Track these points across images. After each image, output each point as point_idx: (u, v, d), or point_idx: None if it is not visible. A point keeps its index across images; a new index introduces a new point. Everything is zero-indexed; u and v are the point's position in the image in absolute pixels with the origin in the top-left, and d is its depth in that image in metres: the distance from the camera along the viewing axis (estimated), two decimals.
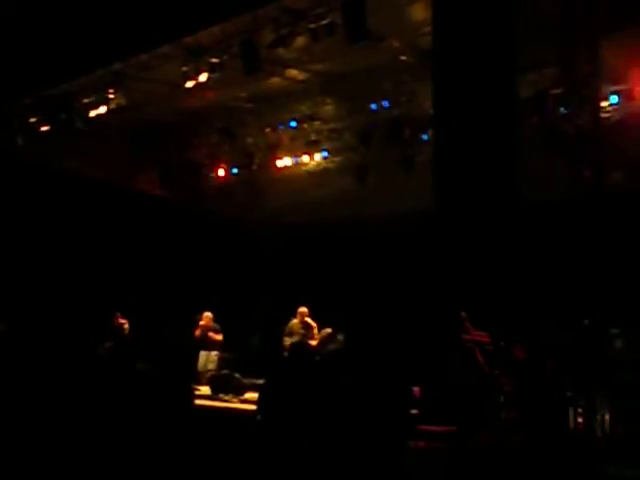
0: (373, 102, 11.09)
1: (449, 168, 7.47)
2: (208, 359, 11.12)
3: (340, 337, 9.88)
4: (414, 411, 6.62)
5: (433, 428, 5.51)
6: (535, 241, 6.98)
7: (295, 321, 10.74)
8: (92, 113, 11.32)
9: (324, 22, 9.03)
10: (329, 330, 10.61)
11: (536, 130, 9.83)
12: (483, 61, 7.33)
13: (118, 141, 12.65)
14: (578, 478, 4.71)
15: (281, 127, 12.10)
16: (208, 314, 11.35)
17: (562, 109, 9.93)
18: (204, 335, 11.21)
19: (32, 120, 11.88)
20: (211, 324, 11.32)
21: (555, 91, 9.85)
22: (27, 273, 11.58)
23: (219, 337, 11.32)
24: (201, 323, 11.27)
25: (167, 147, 12.85)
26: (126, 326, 10.98)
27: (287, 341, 10.50)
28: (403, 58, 9.98)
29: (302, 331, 10.64)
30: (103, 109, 11.19)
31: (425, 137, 11.08)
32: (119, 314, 10.93)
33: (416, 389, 7.07)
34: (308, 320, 10.70)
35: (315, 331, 10.60)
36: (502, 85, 7.42)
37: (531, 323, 6.04)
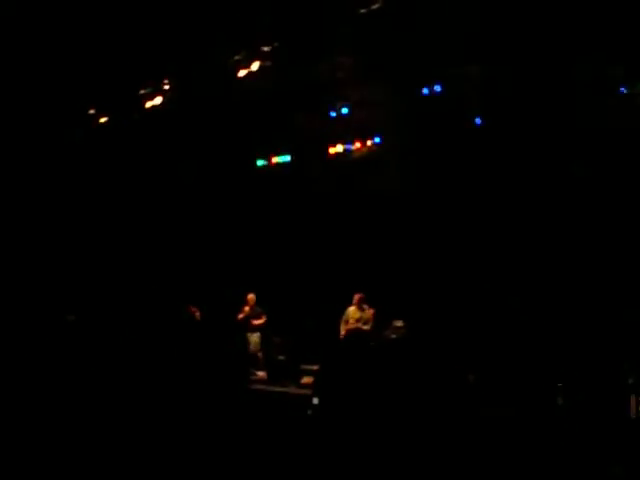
0: (424, 86, 10.94)
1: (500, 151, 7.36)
2: (253, 341, 11.26)
3: (398, 324, 9.90)
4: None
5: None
6: None
7: (352, 308, 10.77)
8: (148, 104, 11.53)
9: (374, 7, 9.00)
10: (372, 311, 10.62)
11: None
12: (537, 45, 7.16)
13: (175, 132, 12.80)
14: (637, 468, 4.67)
15: (333, 114, 12.06)
16: (252, 296, 11.48)
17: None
18: (247, 319, 11.37)
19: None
20: (253, 308, 11.46)
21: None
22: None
23: (261, 321, 11.43)
24: (245, 308, 11.42)
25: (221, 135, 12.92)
26: (197, 314, 11.28)
27: (343, 328, 10.57)
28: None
29: (358, 317, 10.67)
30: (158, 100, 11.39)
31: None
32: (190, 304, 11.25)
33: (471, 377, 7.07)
34: (365, 306, 10.71)
35: (370, 317, 10.62)
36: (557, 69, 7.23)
37: (586, 311, 5.95)
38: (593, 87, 9.49)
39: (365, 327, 10.50)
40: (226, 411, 6.11)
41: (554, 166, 7.54)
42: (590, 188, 7.80)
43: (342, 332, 10.50)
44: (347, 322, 10.62)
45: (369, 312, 10.65)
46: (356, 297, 10.79)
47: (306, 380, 8.73)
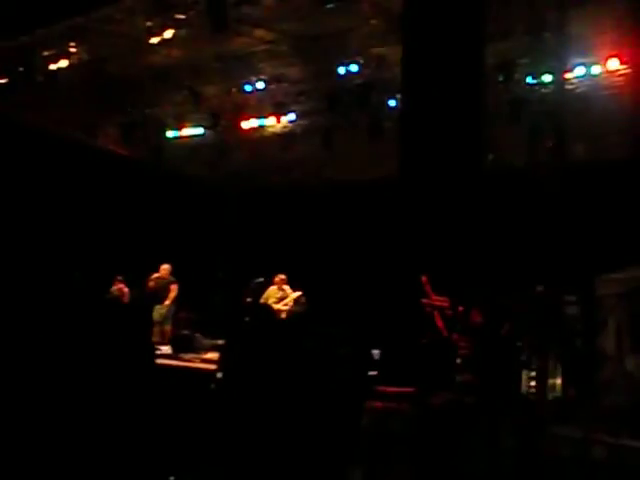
0: (341, 65, 10.98)
1: (414, 134, 7.48)
2: (158, 312, 11.07)
3: (303, 300, 10.01)
4: (373, 373, 6.74)
5: (391, 389, 5.61)
6: (495, 208, 7.07)
7: (273, 288, 10.77)
8: (53, 67, 11.02)
9: None
10: (299, 293, 10.71)
11: (501, 99, 9.90)
12: (452, 28, 7.31)
13: (80, 97, 12.34)
14: (528, 439, 4.87)
15: (248, 88, 11.93)
16: (166, 266, 11.26)
17: (528, 79, 10.01)
18: (158, 287, 11.13)
19: None
20: (167, 276, 11.23)
21: (522, 61, 9.91)
22: None
23: (173, 290, 11.23)
24: (155, 275, 11.19)
25: (130, 104, 12.59)
26: (125, 290, 10.94)
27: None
28: (373, 22, 9.89)
29: (278, 297, 10.70)
30: (64, 63, 10.91)
31: (392, 103, 11.07)
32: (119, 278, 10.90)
33: (375, 351, 7.19)
34: (285, 288, 10.75)
35: (291, 298, 10.69)
36: (470, 52, 7.42)
37: (488, 288, 6.15)
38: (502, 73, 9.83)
39: (284, 307, 10.56)
40: (129, 387, 5.94)
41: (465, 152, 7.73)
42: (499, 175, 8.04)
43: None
44: (267, 301, 10.62)
45: (290, 293, 10.71)
46: (277, 278, 10.83)
47: (210, 355, 8.64)
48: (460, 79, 7.29)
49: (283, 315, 10.53)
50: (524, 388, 5.39)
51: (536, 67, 9.72)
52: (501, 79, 9.96)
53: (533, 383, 5.45)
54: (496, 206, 7.30)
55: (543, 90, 9.66)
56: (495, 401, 5.10)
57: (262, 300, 10.64)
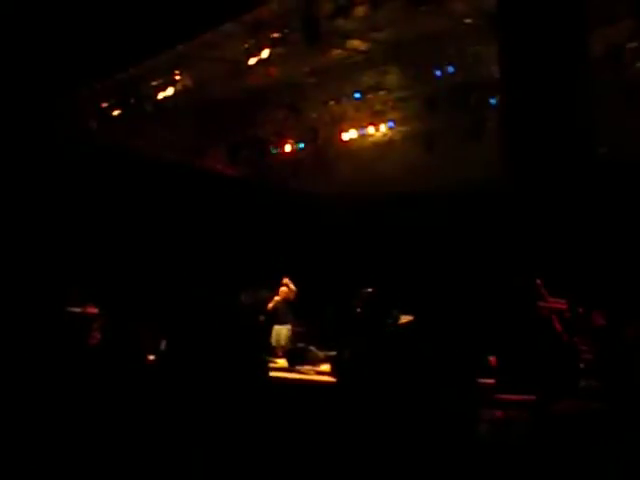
0: (438, 68, 10.83)
1: (519, 131, 7.25)
2: (280, 333, 11.25)
3: (395, 312, 9.84)
4: (491, 380, 6.56)
5: (511, 397, 5.44)
6: (613, 203, 6.72)
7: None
8: (160, 95, 11.55)
9: None
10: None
11: (612, 87, 9.42)
12: (551, 18, 7.05)
13: (186, 121, 12.87)
14: None
15: (345, 99, 12.00)
16: (284, 288, 11.39)
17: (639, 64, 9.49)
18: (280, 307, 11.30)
19: (104, 105, 12.22)
20: (288, 296, 11.37)
21: (631, 45, 9.41)
22: (104, 254, 11.98)
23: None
24: (278, 297, 11.34)
25: (233, 125, 12.97)
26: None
27: None
28: (467, 21, 9.71)
29: None
30: (170, 91, 11.41)
31: (493, 102, 10.80)
32: None
33: (492, 358, 6.99)
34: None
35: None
36: (573, 42, 7.13)
37: (611, 289, 5.85)
38: None
39: None
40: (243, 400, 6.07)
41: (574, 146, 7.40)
42: None
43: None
44: None
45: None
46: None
47: (325, 367, 8.70)
48: (564, 71, 7.02)
49: None
50: None
51: None
52: (610, 66, 9.50)
53: None
54: (613, 201, 6.94)
55: None
56: (624, 407, 4.84)
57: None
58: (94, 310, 9.38)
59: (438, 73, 10.89)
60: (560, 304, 5.71)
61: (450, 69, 10.74)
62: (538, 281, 5.79)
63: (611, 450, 4.60)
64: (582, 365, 5.40)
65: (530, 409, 5.09)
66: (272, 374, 7.51)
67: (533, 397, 5.28)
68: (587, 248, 6.33)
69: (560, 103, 6.95)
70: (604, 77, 9.30)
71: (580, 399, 5.10)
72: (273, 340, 11.23)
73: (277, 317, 11.28)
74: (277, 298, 11.34)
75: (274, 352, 10.77)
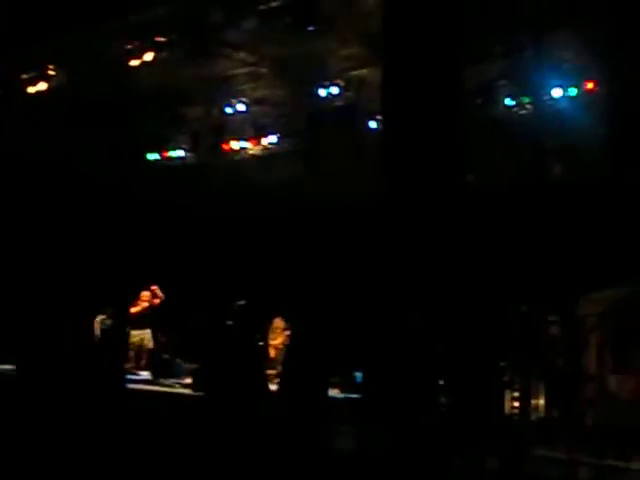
0: (322, 87, 11.01)
1: (397, 155, 7.48)
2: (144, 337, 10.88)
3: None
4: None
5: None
6: (476, 227, 7.07)
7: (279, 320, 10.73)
8: (31, 89, 10.96)
9: (274, 4, 8.96)
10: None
11: (481, 120, 9.97)
12: (432, 50, 7.36)
13: (60, 119, 12.27)
14: (512, 461, 4.80)
15: (229, 110, 11.92)
16: (147, 292, 11.07)
17: (507, 100, 10.11)
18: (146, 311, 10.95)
19: None
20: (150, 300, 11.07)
21: (501, 82, 10.02)
22: None
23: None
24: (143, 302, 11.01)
25: (109, 126, 12.51)
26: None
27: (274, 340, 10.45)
28: (353, 44, 9.94)
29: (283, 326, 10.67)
30: (43, 86, 10.85)
31: (373, 124, 11.11)
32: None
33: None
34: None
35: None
36: (450, 74, 7.46)
37: (466, 310, 6.11)
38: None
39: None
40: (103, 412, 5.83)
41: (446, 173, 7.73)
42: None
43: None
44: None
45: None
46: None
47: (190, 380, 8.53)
48: (440, 100, 7.33)
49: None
50: (507, 409, 5.34)
51: (515, 89, 9.83)
52: (480, 101, 10.07)
53: (516, 404, 5.40)
54: (479, 226, 7.29)
55: (522, 112, 9.76)
56: (478, 423, 5.05)
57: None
58: None
59: (322, 92, 11.06)
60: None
61: (334, 89, 10.95)
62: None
63: (466, 463, 4.78)
64: (442, 382, 5.58)
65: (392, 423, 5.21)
66: (134, 387, 7.27)
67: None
68: (451, 270, 6.59)
69: (435, 131, 7.24)
70: (476, 109, 9.87)
71: (438, 415, 5.28)
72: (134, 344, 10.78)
73: (139, 322, 10.91)
74: (143, 303, 10.98)
75: (138, 357, 10.46)
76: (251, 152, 12.45)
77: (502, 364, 5.43)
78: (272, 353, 10.34)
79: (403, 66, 7.51)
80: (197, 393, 6.53)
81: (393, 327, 6.19)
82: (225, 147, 12.51)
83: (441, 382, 5.68)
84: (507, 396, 5.33)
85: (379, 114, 9.53)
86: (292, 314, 10.72)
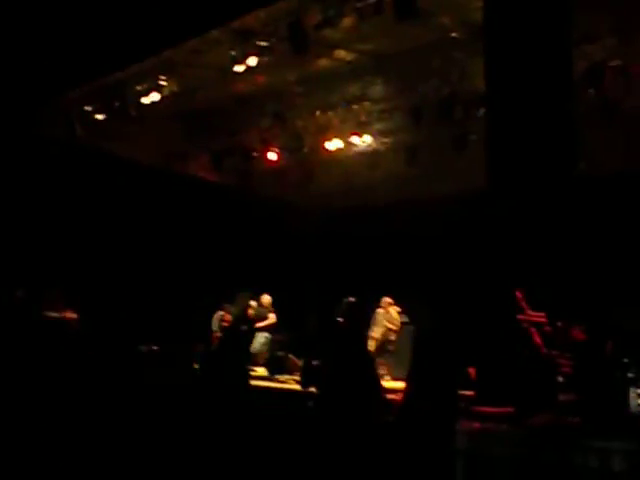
0: (423, 81, 10.90)
1: (502, 145, 7.31)
2: (260, 341, 11.28)
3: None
4: (470, 392, 6.58)
5: (489, 409, 5.45)
6: (592, 217, 6.77)
7: (381, 311, 10.60)
8: (145, 100, 11.52)
9: (371, 0, 8.95)
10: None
11: (592, 104, 9.55)
12: (536, 34, 7.12)
13: (170, 127, 12.84)
14: (637, 461, 4.60)
15: (330, 109, 12.03)
16: (267, 298, 11.47)
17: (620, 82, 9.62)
18: (257, 316, 11.35)
19: (88, 109, 12.16)
20: (268, 307, 11.45)
21: (613, 63, 9.54)
22: (88, 257, 11.90)
23: (271, 319, 11.45)
24: (256, 304, 11.39)
25: (218, 132, 12.95)
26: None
27: (375, 332, 10.37)
28: (453, 35, 9.78)
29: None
30: (156, 96, 11.38)
31: (478, 114, 10.87)
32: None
33: (472, 370, 7.02)
34: (391, 310, 10.55)
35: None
36: (557, 58, 7.19)
37: (591, 303, 5.89)
38: None
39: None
40: (224, 409, 6.04)
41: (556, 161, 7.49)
42: None
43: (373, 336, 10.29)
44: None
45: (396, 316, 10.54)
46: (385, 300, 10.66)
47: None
48: (547, 86, 7.08)
49: (393, 337, 10.36)
50: (633, 407, 5.11)
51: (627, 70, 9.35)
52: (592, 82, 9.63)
53: None
54: (592, 215, 7.00)
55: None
56: (602, 422, 4.86)
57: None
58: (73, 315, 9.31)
59: (423, 85, 10.96)
60: (540, 317, 5.74)
61: (435, 82, 10.82)
62: (518, 294, 5.82)
63: (589, 464, 4.62)
64: (561, 379, 5.42)
65: (508, 422, 5.10)
66: (253, 382, 7.51)
67: (511, 409, 5.30)
68: (568, 262, 6.37)
69: (543, 118, 7.01)
70: (585, 93, 9.45)
71: (558, 413, 5.12)
72: (253, 347, 11.24)
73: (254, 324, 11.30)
74: (256, 304, 11.37)
75: (254, 360, 10.76)
76: (354, 150, 12.52)
77: (625, 360, 5.19)
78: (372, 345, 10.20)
79: (507, 50, 7.32)
80: (305, 389, 6.67)
81: (508, 321, 6.07)
82: (328, 145, 12.65)
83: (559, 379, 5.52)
84: (632, 394, 5.11)
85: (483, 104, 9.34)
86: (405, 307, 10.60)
